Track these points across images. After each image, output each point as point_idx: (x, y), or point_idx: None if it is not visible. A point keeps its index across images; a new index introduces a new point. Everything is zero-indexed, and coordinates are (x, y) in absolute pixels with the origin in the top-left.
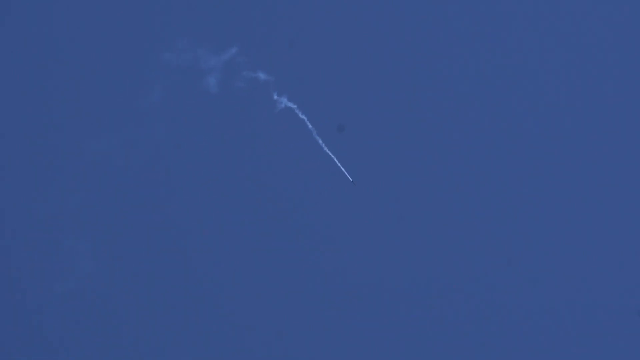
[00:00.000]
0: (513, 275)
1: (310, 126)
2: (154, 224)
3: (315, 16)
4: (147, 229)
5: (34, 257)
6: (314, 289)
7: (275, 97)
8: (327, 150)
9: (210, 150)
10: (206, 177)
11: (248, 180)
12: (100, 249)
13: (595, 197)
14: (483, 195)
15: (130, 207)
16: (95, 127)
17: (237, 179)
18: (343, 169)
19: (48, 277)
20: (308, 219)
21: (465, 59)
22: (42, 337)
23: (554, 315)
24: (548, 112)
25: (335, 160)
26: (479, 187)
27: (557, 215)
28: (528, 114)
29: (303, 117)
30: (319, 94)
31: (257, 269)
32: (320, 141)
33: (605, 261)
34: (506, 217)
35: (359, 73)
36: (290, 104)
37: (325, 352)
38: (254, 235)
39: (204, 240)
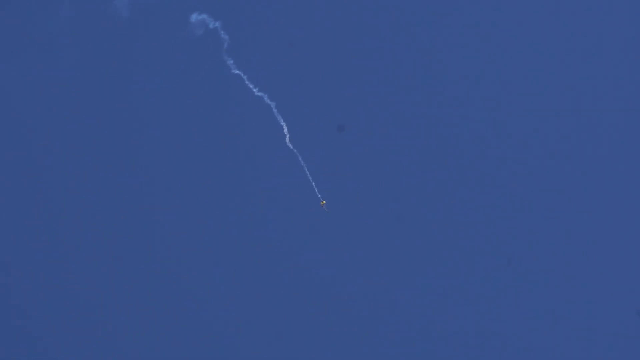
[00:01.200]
0: (513, 275)
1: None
2: (63, 159)
3: (314, 17)
4: (57, 165)
5: None
6: (312, 290)
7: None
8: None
9: (124, 81)
10: (121, 110)
11: (172, 115)
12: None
13: (595, 198)
14: (483, 196)
15: (38, 144)
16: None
17: (160, 113)
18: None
19: None
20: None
21: (465, 59)
22: None
23: (554, 315)
24: (549, 113)
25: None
26: (479, 187)
27: (557, 216)
28: (528, 114)
29: (226, 36)
30: (319, 94)
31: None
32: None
33: (605, 261)
34: (506, 217)
35: (358, 73)
36: (212, 22)
37: (327, 353)
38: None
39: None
